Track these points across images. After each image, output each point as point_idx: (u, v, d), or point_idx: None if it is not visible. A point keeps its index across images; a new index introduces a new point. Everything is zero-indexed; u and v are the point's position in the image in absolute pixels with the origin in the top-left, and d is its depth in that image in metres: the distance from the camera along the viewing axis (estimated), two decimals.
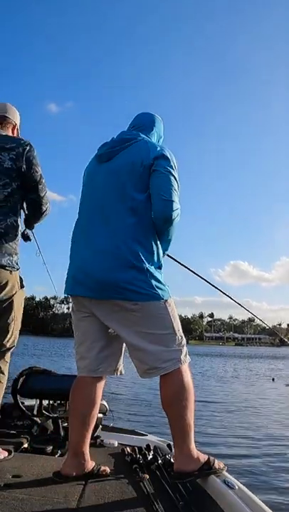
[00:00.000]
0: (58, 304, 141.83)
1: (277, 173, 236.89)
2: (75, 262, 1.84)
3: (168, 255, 1.97)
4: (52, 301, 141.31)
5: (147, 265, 1.71)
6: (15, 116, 2.16)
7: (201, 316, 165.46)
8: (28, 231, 2.15)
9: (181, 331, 1.79)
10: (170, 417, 1.74)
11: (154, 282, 1.71)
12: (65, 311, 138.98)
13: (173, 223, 1.77)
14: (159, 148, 1.82)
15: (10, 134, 2.10)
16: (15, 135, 2.15)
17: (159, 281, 1.73)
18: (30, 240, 2.20)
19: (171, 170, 1.78)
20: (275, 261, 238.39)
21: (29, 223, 2.15)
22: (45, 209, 2.10)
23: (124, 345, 1.87)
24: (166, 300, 1.74)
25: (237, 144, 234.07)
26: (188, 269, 2.32)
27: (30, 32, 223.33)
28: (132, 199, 1.76)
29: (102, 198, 1.81)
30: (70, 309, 1.92)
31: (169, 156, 1.81)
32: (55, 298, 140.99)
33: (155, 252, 1.78)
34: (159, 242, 1.81)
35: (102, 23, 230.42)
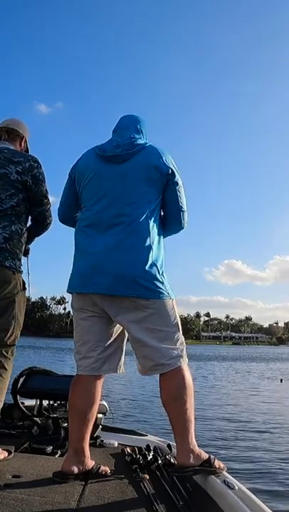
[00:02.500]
0: (55, 305, 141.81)
1: (273, 173, 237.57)
2: (86, 260, 1.82)
3: None
4: (49, 302, 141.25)
5: (158, 264, 1.79)
6: (23, 130, 2.29)
7: (198, 316, 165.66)
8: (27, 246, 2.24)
9: (181, 330, 1.85)
10: (171, 413, 1.76)
11: (164, 281, 1.79)
12: (62, 311, 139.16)
13: (184, 227, 1.99)
14: (168, 154, 1.90)
15: (18, 146, 2.26)
16: (23, 147, 2.30)
17: (166, 280, 1.81)
18: (28, 254, 2.29)
19: (180, 177, 1.91)
20: (269, 260, 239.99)
21: (29, 236, 2.22)
22: (48, 222, 2.26)
23: (124, 342, 1.90)
24: (173, 299, 1.81)
25: (234, 144, 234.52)
26: None
27: (26, 32, 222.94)
28: (148, 201, 1.82)
29: (117, 198, 1.82)
30: (72, 308, 1.90)
31: (175, 163, 1.91)
32: (53, 298, 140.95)
33: (162, 252, 1.85)
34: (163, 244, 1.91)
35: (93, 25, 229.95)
